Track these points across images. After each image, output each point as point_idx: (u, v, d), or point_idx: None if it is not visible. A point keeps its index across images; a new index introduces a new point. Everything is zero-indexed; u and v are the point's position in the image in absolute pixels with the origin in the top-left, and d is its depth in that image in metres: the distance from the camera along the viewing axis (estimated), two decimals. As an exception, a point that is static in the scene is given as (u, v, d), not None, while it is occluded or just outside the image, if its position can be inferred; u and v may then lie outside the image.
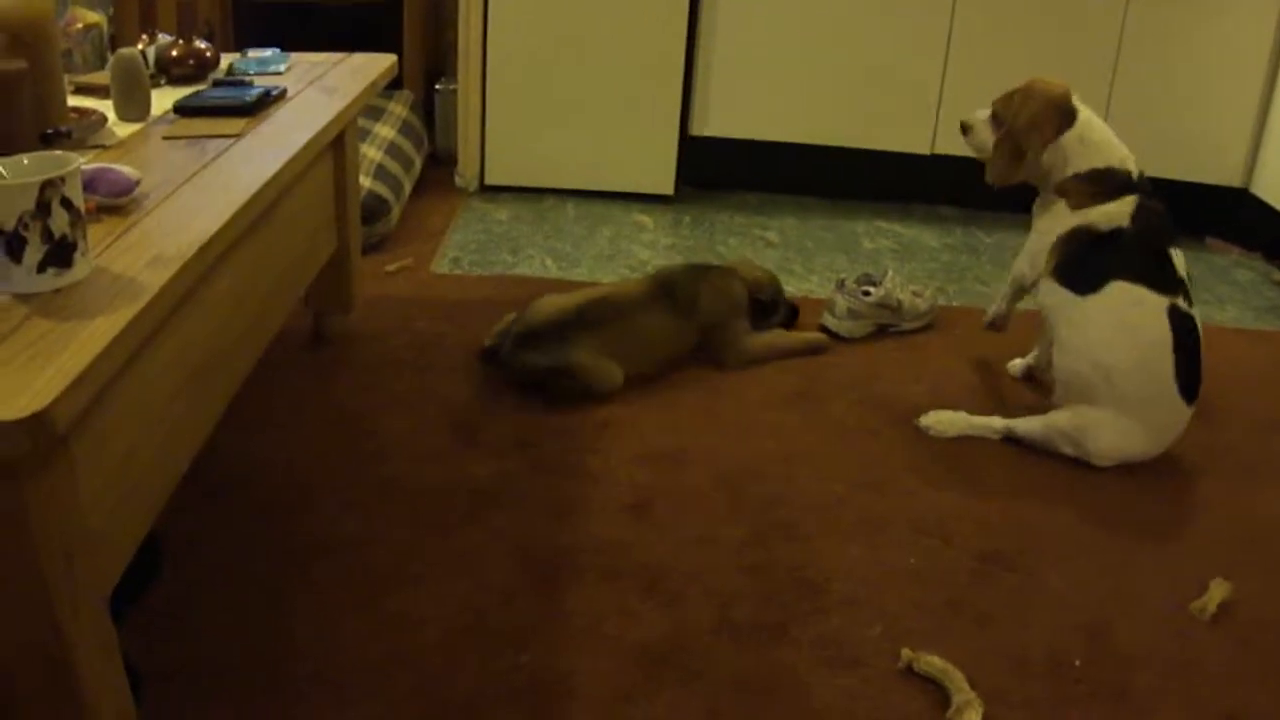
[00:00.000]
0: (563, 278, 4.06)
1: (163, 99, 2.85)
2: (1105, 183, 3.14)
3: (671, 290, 3.45)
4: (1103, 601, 2.59)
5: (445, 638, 2.32)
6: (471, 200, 4.80)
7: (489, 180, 4.92)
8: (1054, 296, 3.20)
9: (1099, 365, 3.07)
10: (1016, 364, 3.62)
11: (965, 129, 3.42)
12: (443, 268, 4.09)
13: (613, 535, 2.68)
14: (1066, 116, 3.18)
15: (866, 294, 3.74)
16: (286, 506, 2.70)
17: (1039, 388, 3.50)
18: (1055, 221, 3.21)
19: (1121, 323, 3.06)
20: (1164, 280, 3.08)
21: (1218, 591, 2.62)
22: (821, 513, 2.83)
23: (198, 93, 2.89)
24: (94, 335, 1.64)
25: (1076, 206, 3.15)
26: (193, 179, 2.30)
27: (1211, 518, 2.96)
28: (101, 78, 2.86)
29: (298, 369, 3.30)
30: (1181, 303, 3.07)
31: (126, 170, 2.15)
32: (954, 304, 4.01)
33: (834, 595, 2.53)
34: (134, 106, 2.71)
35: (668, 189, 4.93)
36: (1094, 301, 3.09)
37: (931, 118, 4.87)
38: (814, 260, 4.43)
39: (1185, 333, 3.06)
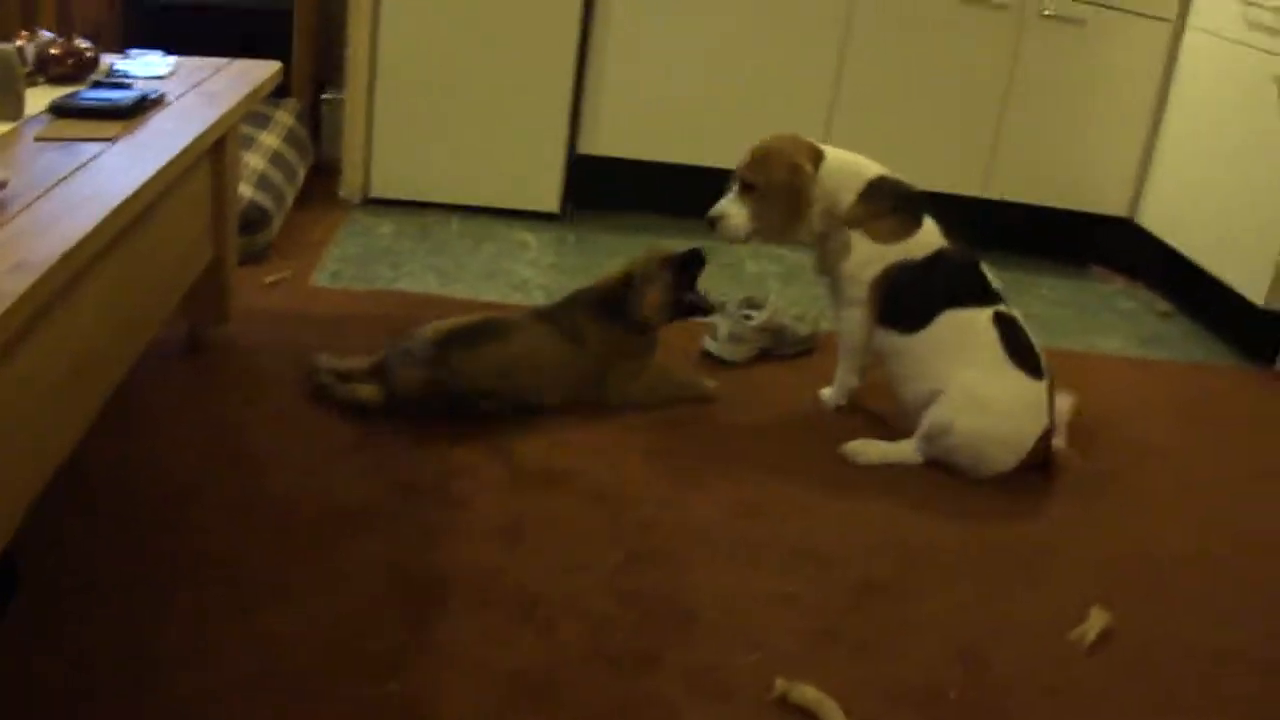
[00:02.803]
0: (443, 294, 4.01)
1: (39, 98, 2.78)
2: (886, 194, 3.24)
3: (557, 318, 3.35)
4: (981, 630, 2.59)
5: (317, 660, 2.26)
6: (355, 213, 4.74)
7: (374, 193, 4.86)
8: (882, 340, 3.30)
9: (936, 387, 3.19)
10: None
11: (715, 221, 3.30)
12: (323, 280, 4.03)
13: (485, 560, 2.64)
14: (814, 152, 3.25)
15: (749, 318, 3.74)
16: (157, 520, 2.63)
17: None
18: (861, 259, 3.26)
19: (955, 351, 3.18)
20: (985, 294, 3.22)
21: (1097, 620, 2.64)
22: (699, 537, 2.81)
23: (75, 93, 2.83)
24: (-52, 343, 1.59)
25: (880, 236, 3.22)
26: (63, 183, 2.25)
27: (1093, 544, 2.99)
28: (-25, 74, 2.79)
29: (171, 380, 3.23)
30: (1003, 309, 3.21)
31: (-9, 172, 2.10)
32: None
33: (709, 623, 2.50)
34: (7, 105, 2.65)
35: (553, 207, 4.89)
36: (924, 337, 3.21)
37: (821, 140, 4.87)
38: (698, 283, 4.40)
39: (1011, 330, 3.19)
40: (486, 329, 3.22)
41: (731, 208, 3.28)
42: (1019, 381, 3.16)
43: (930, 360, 3.20)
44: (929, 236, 3.22)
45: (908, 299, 3.21)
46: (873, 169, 3.28)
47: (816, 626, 2.54)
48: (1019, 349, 3.18)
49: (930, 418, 3.18)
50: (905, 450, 3.26)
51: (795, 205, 3.21)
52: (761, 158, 3.24)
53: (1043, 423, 3.18)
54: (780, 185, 3.20)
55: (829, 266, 3.36)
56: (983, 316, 3.18)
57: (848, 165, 3.28)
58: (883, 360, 3.35)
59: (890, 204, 3.24)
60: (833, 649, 2.47)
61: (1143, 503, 3.23)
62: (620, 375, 3.36)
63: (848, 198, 3.24)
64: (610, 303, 3.34)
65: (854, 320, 3.35)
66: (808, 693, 2.29)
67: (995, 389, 3.15)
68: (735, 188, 3.29)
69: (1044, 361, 3.22)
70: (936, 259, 3.20)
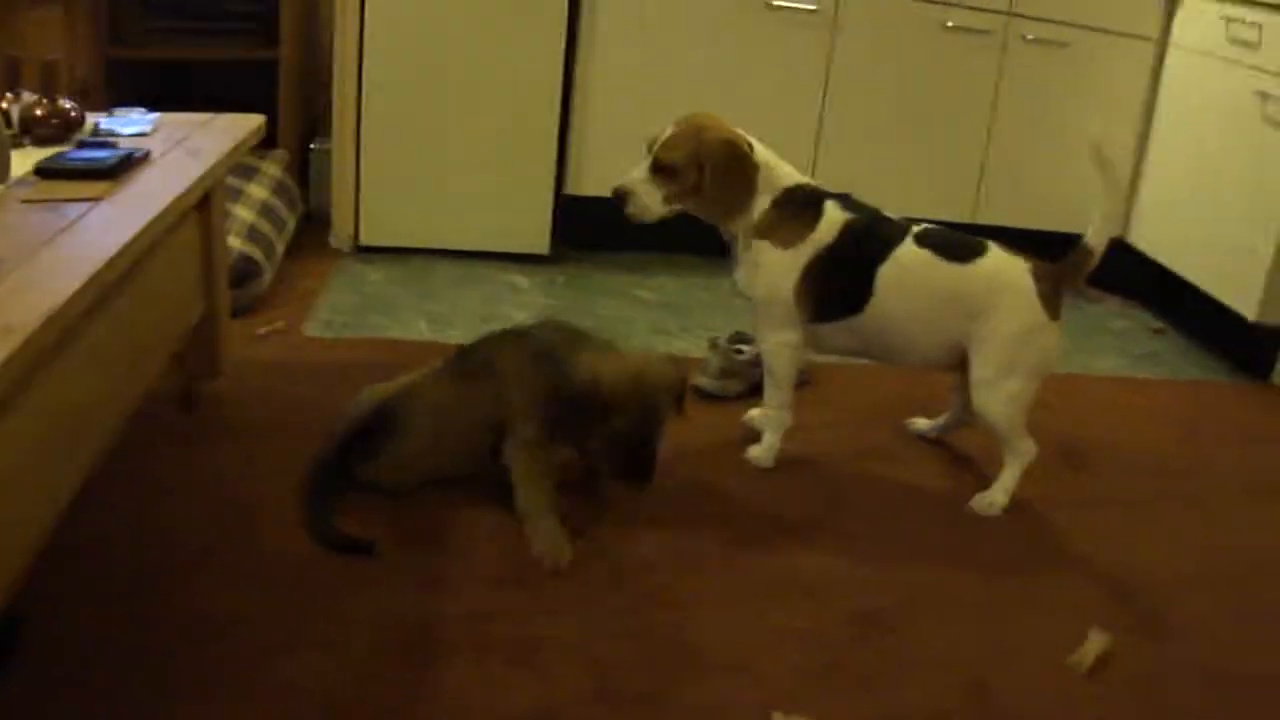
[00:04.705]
0: (436, 339, 4.01)
1: (25, 160, 2.78)
2: (797, 201, 3.16)
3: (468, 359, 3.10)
4: (981, 658, 2.59)
5: (320, 715, 2.25)
6: (346, 261, 4.75)
7: (364, 241, 4.86)
8: (833, 336, 3.26)
9: (941, 337, 3.20)
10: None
11: (624, 195, 3.17)
12: (316, 330, 4.03)
13: (485, 606, 2.63)
14: (746, 141, 3.17)
15: (740, 353, 3.74)
16: (156, 578, 2.61)
17: (918, 444, 3.52)
18: (775, 274, 3.18)
19: (917, 294, 3.16)
20: (899, 231, 3.18)
21: (1095, 643, 2.63)
22: (698, 576, 2.81)
23: (60, 154, 2.83)
24: (-65, 409, 1.59)
25: (786, 241, 3.15)
26: (48, 244, 2.25)
27: (1088, 567, 2.99)
28: (-38, 138, 2.79)
29: (167, 436, 3.22)
30: (916, 229, 3.20)
31: (-23, 236, 2.10)
32: (831, 360, 3.99)
33: (709, 661, 2.50)
34: (-9, 169, 2.66)
35: (543, 249, 4.90)
36: (879, 305, 3.16)
37: (807, 175, 4.87)
38: (689, 319, 4.42)
39: (936, 239, 3.20)
40: (386, 418, 3.01)
41: (643, 185, 3.16)
42: (979, 265, 3.14)
43: (907, 319, 3.16)
44: (832, 219, 3.15)
45: (838, 283, 3.16)
46: (794, 175, 3.20)
47: (818, 660, 2.53)
48: (952, 248, 3.16)
49: (993, 363, 3.13)
50: (1014, 469, 3.23)
51: (741, 184, 3.13)
52: (690, 135, 3.12)
53: (1025, 265, 3.14)
54: (715, 165, 3.10)
55: (745, 285, 3.26)
56: (907, 249, 3.14)
57: (774, 165, 3.18)
58: (850, 352, 3.33)
59: (795, 210, 3.15)
60: (834, 682, 2.47)
61: (1141, 523, 3.23)
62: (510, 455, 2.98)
63: (764, 201, 3.16)
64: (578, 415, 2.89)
65: (782, 343, 3.26)
66: (809, 727, 2.29)
67: (988, 285, 3.13)
68: (648, 162, 3.17)
69: (975, 241, 3.20)
70: (845, 233, 3.13)
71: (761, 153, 3.17)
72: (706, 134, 3.12)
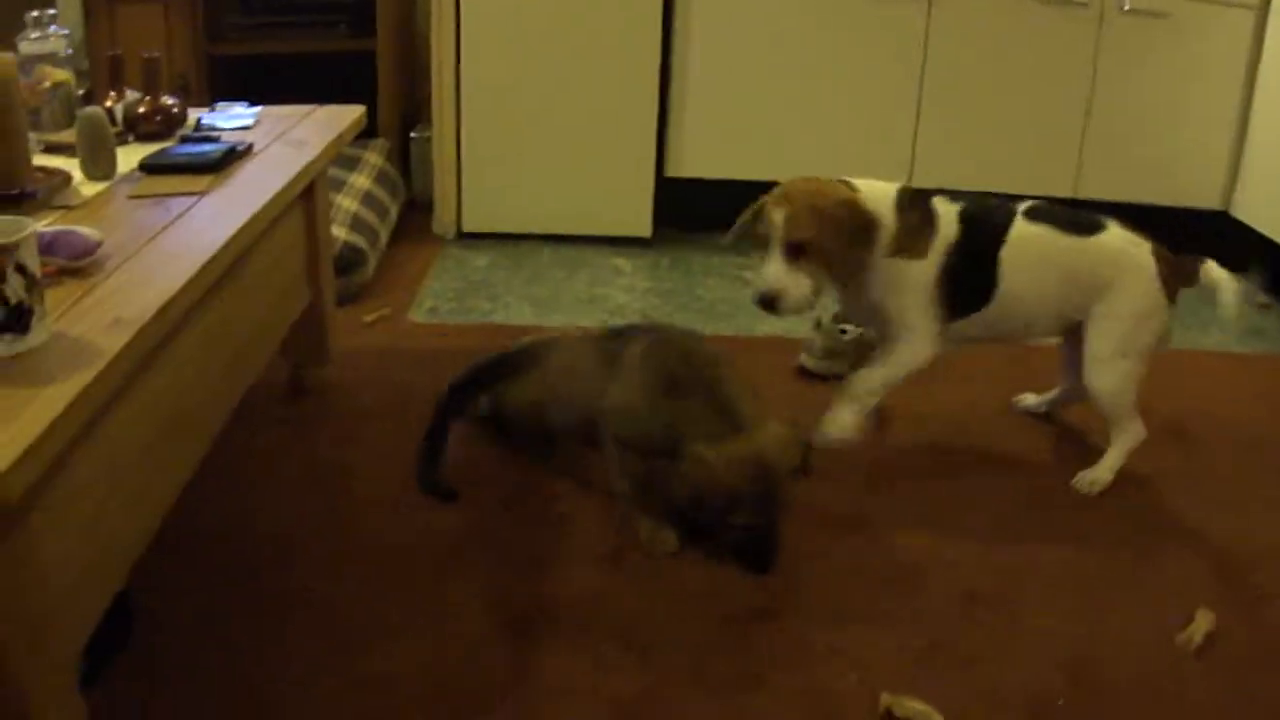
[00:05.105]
0: (540, 324, 4.04)
1: (130, 156, 2.84)
2: (911, 206, 3.07)
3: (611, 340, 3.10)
4: (1086, 637, 2.57)
5: (419, 698, 2.29)
6: (449, 248, 4.79)
7: (466, 227, 4.91)
8: (966, 329, 3.18)
9: (1066, 315, 3.17)
10: (1029, 398, 3.58)
11: (775, 301, 2.92)
12: (421, 316, 4.08)
13: (587, 586, 2.65)
14: (849, 186, 3.04)
15: (844, 332, 3.73)
16: (261, 563, 2.67)
17: (1025, 420, 3.51)
18: (916, 289, 3.08)
19: (1040, 270, 3.10)
20: (1007, 212, 3.12)
21: (1203, 622, 2.59)
22: (798, 557, 2.80)
23: (164, 150, 2.88)
24: (50, 401, 1.63)
25: (919, 251, 3.04)
26: (156, 238, 2.29)
27: (1194, 545, 2.94)
28: (70, 136, 2.84)
29: (275, 422, 3.28)
30: (1025, 206, 3.15)
31: (87, 232, 2.14)
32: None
33: (812, 642, 2.50)
34: (100, 165, 2.70)
35: (645, 231, 4.92)
36: (1006, 292, 3.09)
37: (908, 153, 4.86)
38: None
39: (1049, 214, 3.15)
40: (527, 356, 3.17)
41: (790, 277, 2.92)
42: (1101, 240, 3.10)
43: (1031, 298, 3.11)
44: (947, 212, 3.07)
45: (968, 276, 3.08)
46: (893, 185, 3.10)
47: (919, 642, 2.53)
48: (1069, 222, 3.12)
49: (1115, 341, 3.09)
50: (1120, 448, 3.20)
51: (867, 241, 2.97)
52: (807, 207, 2.91)
53: (1147, 245, 3.10)
54: (842, 228, 2.93)
55: (874, 309, 3.14)
56: (1021, 228, 3.08)
57: (876, 188, 3.06)
58: (973, 341, 3.26)
59: (911, 215, 3.04)
60: (936, 663, 2.46)
61: (1245, 500, 3.18)
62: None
63: (888, 223, 3.02)
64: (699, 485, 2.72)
65: (922, 352, 3.14)
66: (914, 707, 2.28)
67: (1114, 260, 3.08)
68: (779, 253, 2.92)
69: (1092, 217, 3.16)
70: (967, 227, 3.06)
71: (861, 185, 3.04)
72: (819, 201, 2.93)
